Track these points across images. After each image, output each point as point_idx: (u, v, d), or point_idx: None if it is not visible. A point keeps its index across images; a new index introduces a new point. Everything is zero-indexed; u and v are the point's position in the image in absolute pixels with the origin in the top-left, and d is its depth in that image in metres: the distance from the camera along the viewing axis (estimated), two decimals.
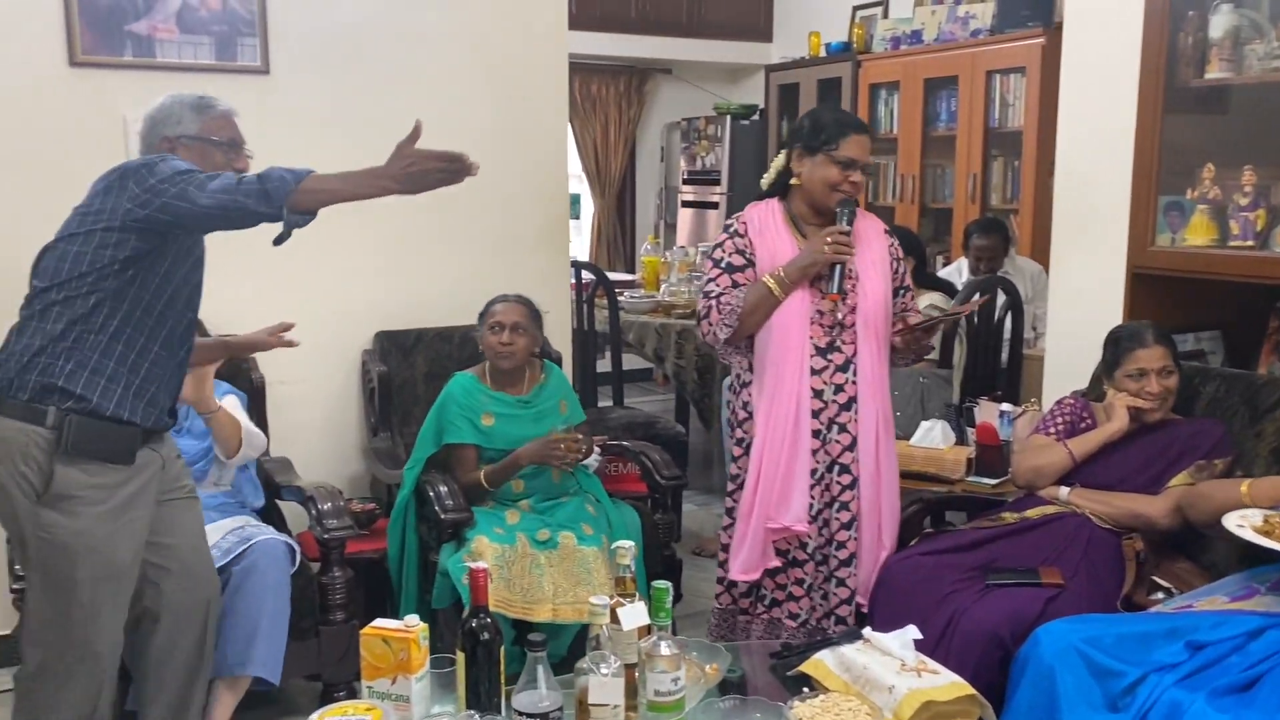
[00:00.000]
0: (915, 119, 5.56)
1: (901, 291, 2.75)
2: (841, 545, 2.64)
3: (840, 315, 2.60)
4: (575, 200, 6.74)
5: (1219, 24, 2.85)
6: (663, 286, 5.09)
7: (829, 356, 2.61)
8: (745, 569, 2.67)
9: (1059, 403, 2.90)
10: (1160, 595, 2.47)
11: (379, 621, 1.81)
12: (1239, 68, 2.85)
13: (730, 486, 2.77)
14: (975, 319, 3.74)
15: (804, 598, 2.68)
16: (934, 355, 3.65)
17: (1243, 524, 2.17)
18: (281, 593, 2.61)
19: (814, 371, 2.60)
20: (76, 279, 2.10)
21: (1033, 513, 2.69)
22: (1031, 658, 2.11)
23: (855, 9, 6.32)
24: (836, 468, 2.63)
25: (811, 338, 2.60)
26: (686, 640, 1.94)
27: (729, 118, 6.71)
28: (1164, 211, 2.98)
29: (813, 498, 2.63)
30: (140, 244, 2.10)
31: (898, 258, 2.75)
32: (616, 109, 7.08)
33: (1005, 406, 3.30)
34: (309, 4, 3.36)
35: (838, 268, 2.54)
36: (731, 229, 2.71)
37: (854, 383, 2.61)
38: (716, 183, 6.79)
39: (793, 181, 2.65)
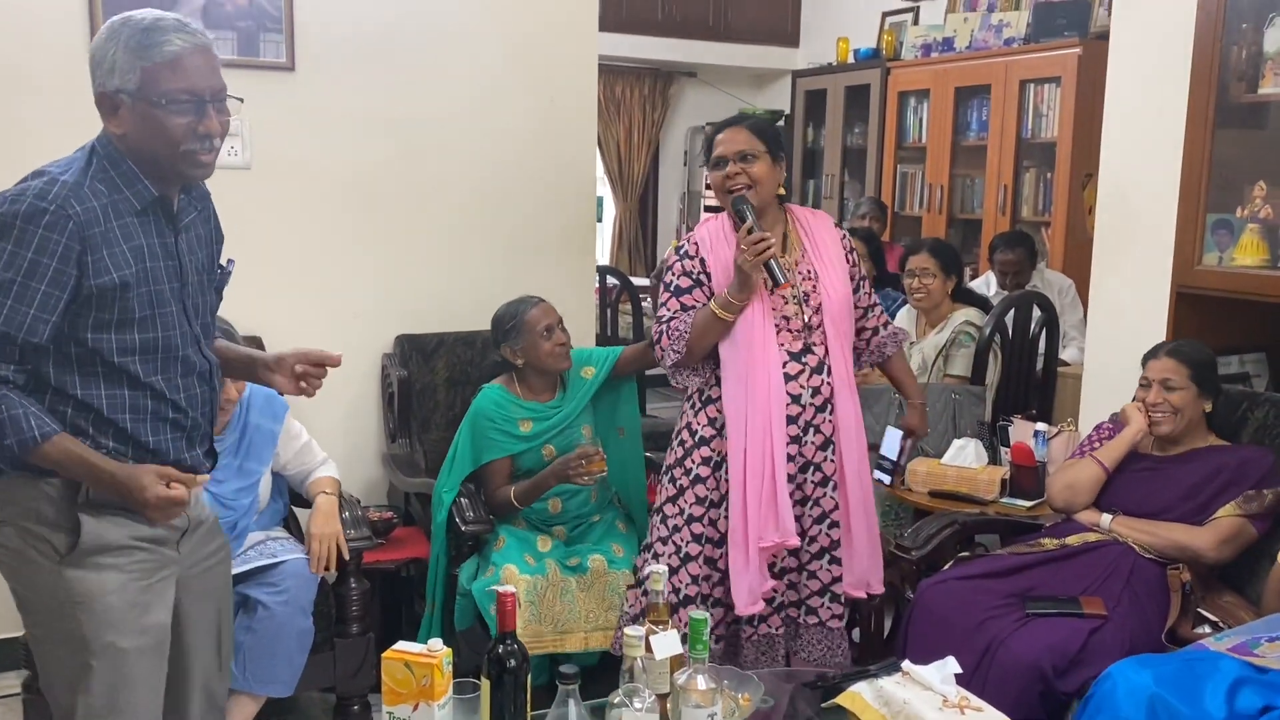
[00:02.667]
0: (945, 128, 5.47)
1: (860, 283, 2.71)
2: (813, 539, 2.60)
3: (807, 317, 2.54)
4: (598, 203, 6.67)
5: (1274, 38, 2.76)
6: None
7: (804, 360, 2.55)
8: (754, 598, 2.53)
9: (1097, 427, 2.83)
10: (1206, 629, 2.38)
11: (401, 645, 1.74)
12: None
13: (695, 511, 2.61)
14: (1010, 333, 3.65)
15: (773, 614, 2.61)
16: (965, 371, 3.56)
17: None
18: (308, 614, 2.56)
19: (790, 377, 2.53)
20: None
21: (1073, 539, 2.60)
22: (1104, 699, 2.01)
23: (885, 15, 6.24)
24: (810, 468, 2.58)
25: (783, 345, 2.53)
26: (719, 668, 1.86)
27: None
28: (1212, 230, 2.89)
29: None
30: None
31: (849, 248, 2.69)
32: (640, 111, 7.01)
33: (1040, 426, 3.21)
34: (336, 1, 3.29)
35: (769, 265, 2.44)
36: (682, 250, 2.64)
37: (829, 383, 2.56)
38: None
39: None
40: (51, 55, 2.97)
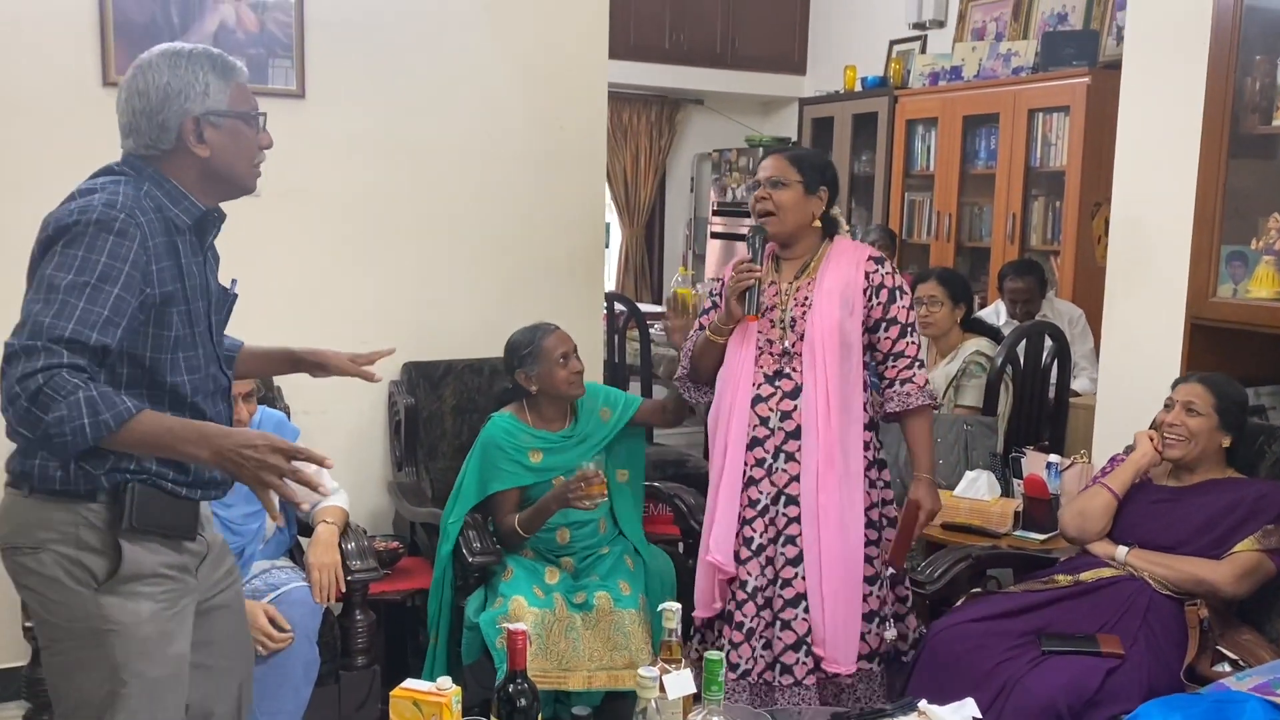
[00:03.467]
0: (953, 156, 5.46)
1: (884, 325, 2.56)
2: (788, 583, 2.51)
3: (789, 343, 2.56)
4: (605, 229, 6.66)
5: None
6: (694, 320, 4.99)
7: (777, 383, 2.57)
8: (699, 605, 2.63)
9: (1112, 459, 2.79)
10: (1226, 667, 2.34)
11: (410, 682, 1.71)
12: None
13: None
14: (1021, 364, 3.62)
15: (744, 644, 2.53)
16: (976, 402, 3.53)
17: None
18: (313, 643, 2.53)
19: (761, 399, 2.57)
20: None
21: (1087, 575, 2.57)
22: None
23: (892, 43, 6.25)
24: (783, 498, 2.54)
25: (761, 366, 2.58)
26: (733, 706, 1.83)
27: (761, 150, 6.63)
28: (1226, 261, 2.87)
29: (754, 531, 2.53)
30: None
31: (879, 285, 2.56)
32: (647, 138, 7.01)
33: (1053, 458, 3.18)
34: (346, 29, 3.30)
35: (747, 292, 2.53)
36: (721, 274, 2.81)
37: (801, 410, 2.54)
38: (747, 215, 6.67)
39: None
40: (62, 88, 2.97)
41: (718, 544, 2.54)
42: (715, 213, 7.00)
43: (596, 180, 3.79)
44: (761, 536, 2.54)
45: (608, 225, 6.90)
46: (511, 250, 3.60)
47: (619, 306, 4.64)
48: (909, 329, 2.58)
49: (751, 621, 2.54)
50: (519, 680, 1.67)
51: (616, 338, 4.58)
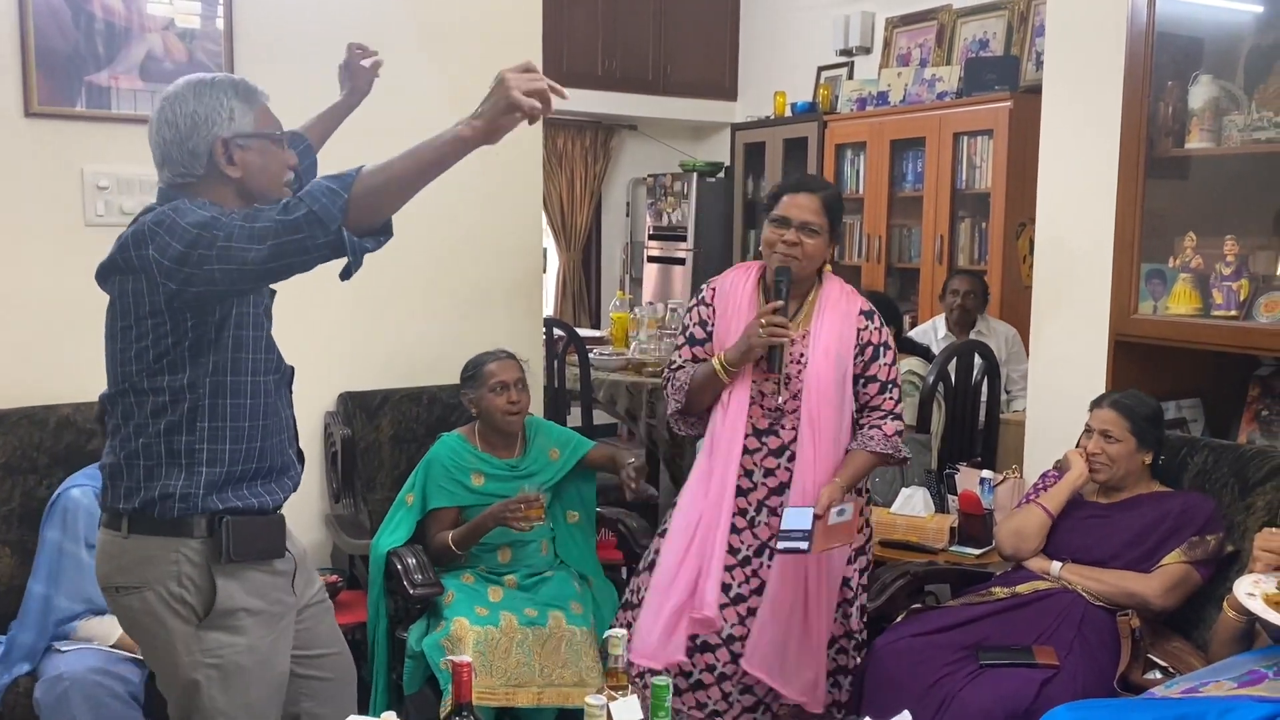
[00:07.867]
0: (881, 179, 5.58)
1: (862, 380, 2.53)
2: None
3: (781, 400, 2.49)
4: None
5: (1199, 94, 2.86)
6: (632, 344, 5.01)
7: (764, 439, 2.53)
8: (648, 654, 2.46)
9: (1043, 475, 2.87)
10: (1158, 674, 2.40)
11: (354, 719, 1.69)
12: (1219, 138, 2.86)
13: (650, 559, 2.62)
14: (953, 381, 3.70)
15: (713, 686, 2.55)
16: (910, 420, 3.59)
17: (1254, 592, 2.11)
18: None
19: (747, 451, 2.52)
20: (148, 378, 1.78)
21: (1024, 588, 2.62)
22: None
23: (820, 69, 6.37)
24: (766, 551, 2.52)
25: (751, 418, 2.51)
26: None
27: (695, 175, 6.70)
28: (1146, 279, 2.97)
29: (733, 579, 2.52)
30: (199, 319, 1.77)
31: (865, 343, 2.54)
32: (582, 164, 7.05)
33: (986, 473, 3.25)
34: (277, 58, 3.26)
35: (774, 349, 2.42)
36: (701, 295, 2.65)
37: (787, 469, 2.51)
38: (683, 239, 6.76)
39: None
40: None
41: (706, 601, 2.42)
42: (651, 236, 7.04)
43: (533, 206, 3.79)
44: (741, 586, 2.52)
45: (545, 250, 6.90)
46: (449, 278, 3.59)
47: (558, 332, 4.63)
48: (889, 385, 2.56)
49: (725, 667, 2.53)
50: (465, 713, 1.66)
51: (556, 363, 4.58)
